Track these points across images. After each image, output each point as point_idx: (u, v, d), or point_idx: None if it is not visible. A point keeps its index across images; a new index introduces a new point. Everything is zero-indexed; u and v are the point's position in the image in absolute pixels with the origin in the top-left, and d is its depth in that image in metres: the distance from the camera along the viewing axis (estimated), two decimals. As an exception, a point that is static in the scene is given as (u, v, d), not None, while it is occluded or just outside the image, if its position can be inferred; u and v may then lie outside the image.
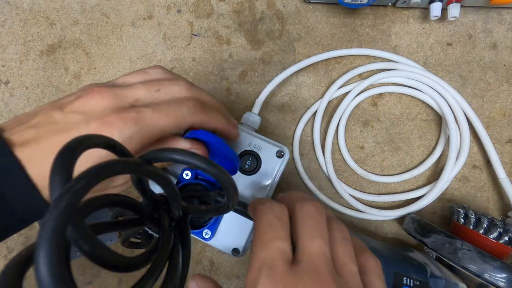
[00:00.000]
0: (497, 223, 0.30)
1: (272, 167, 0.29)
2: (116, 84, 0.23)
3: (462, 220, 0.32)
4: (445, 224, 0.37)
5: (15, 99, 0.40)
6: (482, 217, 0.31)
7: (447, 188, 0.37)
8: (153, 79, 0.24)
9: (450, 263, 0.29)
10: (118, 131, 0.20)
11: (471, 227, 0.31)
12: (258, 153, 0.30)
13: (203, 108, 0.23)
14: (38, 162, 0.19)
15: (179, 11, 0.39)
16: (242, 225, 0.29)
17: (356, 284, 0.18)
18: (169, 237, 0.17)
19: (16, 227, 0.21)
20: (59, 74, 0.40)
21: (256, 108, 0.36)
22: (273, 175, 0.29)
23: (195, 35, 0.39)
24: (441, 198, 0.37)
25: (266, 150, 0.30)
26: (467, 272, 0.28)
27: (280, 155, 0.29)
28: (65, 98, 0.22)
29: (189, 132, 0.24)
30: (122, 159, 0.14)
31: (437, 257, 0.33)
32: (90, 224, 0.15)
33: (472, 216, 0.31)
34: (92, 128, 0.20)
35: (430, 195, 0.36)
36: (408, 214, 0.36)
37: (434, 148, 0.38)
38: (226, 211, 0.17)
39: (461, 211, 0.33)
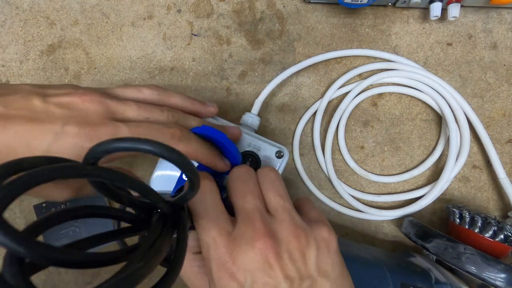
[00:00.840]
0: (491, 221, 0.30)
1: None
2: (111, 94, 0.24)
3: (458, 220, 0.32)
4: (445, 224, 0.37)
5: (15, 99, 0.40)
6: (476, 216, 0.31)
7: (447, 188, 0.37)
8: (145, 99, 0.25)
9: (454, 267, 0.29)
10: (89, 144, 0.20)
11: (467, 227, 0.31)
12: (257, 153, 0.30)
13: (180, 139, 0.23)
14: None
15: (179, 11, 0.39)
16: None
17: (289, 216, 0.21)
18: (155, 231, 0.16)
19: None
20: (59, 74, 0.40)
21: (255, 109, 0.36)
22: None
23: (195, 35, 0.39)
24: (441, 198, 0.37)
25: (266, 151, 0.30)
26: (471, 276, 0.28)
27: (279, 155, 0.29)
28: (53, 88, 0.22)
29: (191, 129, 0.24)
30: (47, 166, 0.13)
31: (436, 259, 0.33)
32: (84, 238, 0.15)
33: (467, 216, 0.31)
34: (66, 131, 0.20)
35: (430, 195, 0.36)
36: (407, 215, 0.35)
37: (434, 148, 0.38)
38: (188, 200, 0.18)
39: (456, 211, 0.32)
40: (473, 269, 0.27)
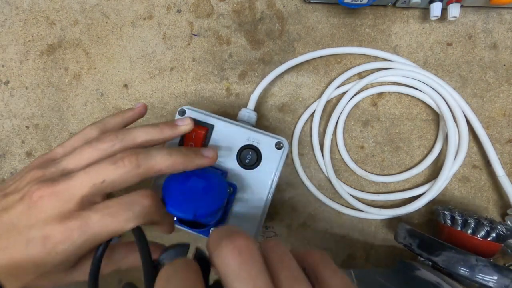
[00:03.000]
0: (483, 221, 0.30)
1: (273, 159, 0.30)
2: (58, 170, 0.22)
3: (449, 222, 0.32)
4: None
5: (15, 99, 0.40)
6: (469, 218, 0.31)
7: (447, 189, 0.37)
8: (103, 156, 0.23)
9: (468, 281, 0.28)
10: (62, 245, 0.20)
11: (459, 229, 0.31)
12: (257, 146, 0.30)
13: (140, 164, 0.22)
14: None
15: (179, 11, 0.39)
16: (249, 222, 0.29)
17: None
18: None
19: None
20: (59, 74, 0.40)
21: (251, 104, 0.36)
22: (275, 167, 0.30)
23: (195, 35, 0.39)
24: (441, 199, 0.37)
25: (265, 143, 0.30)
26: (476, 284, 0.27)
27: (279, 146, 0.30)
28: (9, 195, 0.22)
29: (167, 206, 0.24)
30: None
31: (433, 265, 0.32)
32: None
33: (459, 218, 0.31)
34: (32, 249, 0.20)
35: (430, 193, 0.36)
36: (401, 218, 0.34)
37: (433, 147, 0.38)
38: None
39: (447, 214, 0.32)
40: (487, 281, 0.27)
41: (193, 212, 0.23)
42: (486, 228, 0.30)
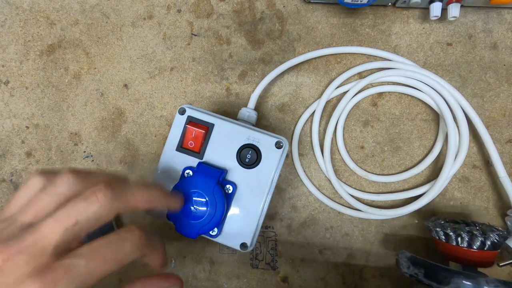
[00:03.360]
0: (475, 232, 0.30)
1: (272, 159, 0.30)
2: (16, 226, 0.19)
3: (443, 238, 0.32)
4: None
5: (15, 99, 0.40)
6: (462, 232, 0.31)
7: (447, 189, 0.37)
8: (61, 199, 0.20)
9: None
10: None
11: (454, 243, 0.31)
12: (257, 145, 0.30)
13: (146, 239, 0.21)
14: None
15: (179, 11, 0.39)
16: (248, 221, 0.30)
17: None
18: None
19: None
20: (59, 74, 0.40)
21: (251, 103, 0.36)
22: (275, 166, 0.30)
23: (195, 35, 0.39)
24: (441, 199, 0.37)
25: (265, 142, 0.30)
26: None
27: (279, 146, 0.30)
28: None
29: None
30: None
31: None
32: None
33: (452, 233, 0.31)
34: None
35: (430, 194, 0.35)
36: (403, 252, 0.33)
37: (433, 147, 0.38)
38: None
39: (440, 230, 0.32)
40: None
41: (197, 234, 0.28)
42: (480, 239, 0.30)
